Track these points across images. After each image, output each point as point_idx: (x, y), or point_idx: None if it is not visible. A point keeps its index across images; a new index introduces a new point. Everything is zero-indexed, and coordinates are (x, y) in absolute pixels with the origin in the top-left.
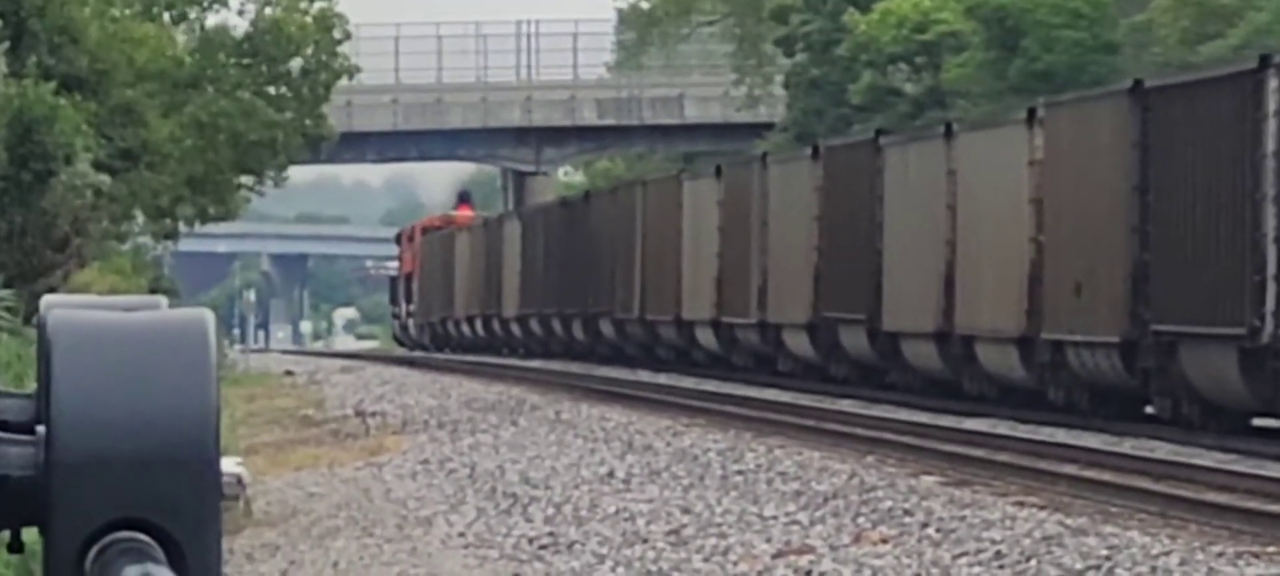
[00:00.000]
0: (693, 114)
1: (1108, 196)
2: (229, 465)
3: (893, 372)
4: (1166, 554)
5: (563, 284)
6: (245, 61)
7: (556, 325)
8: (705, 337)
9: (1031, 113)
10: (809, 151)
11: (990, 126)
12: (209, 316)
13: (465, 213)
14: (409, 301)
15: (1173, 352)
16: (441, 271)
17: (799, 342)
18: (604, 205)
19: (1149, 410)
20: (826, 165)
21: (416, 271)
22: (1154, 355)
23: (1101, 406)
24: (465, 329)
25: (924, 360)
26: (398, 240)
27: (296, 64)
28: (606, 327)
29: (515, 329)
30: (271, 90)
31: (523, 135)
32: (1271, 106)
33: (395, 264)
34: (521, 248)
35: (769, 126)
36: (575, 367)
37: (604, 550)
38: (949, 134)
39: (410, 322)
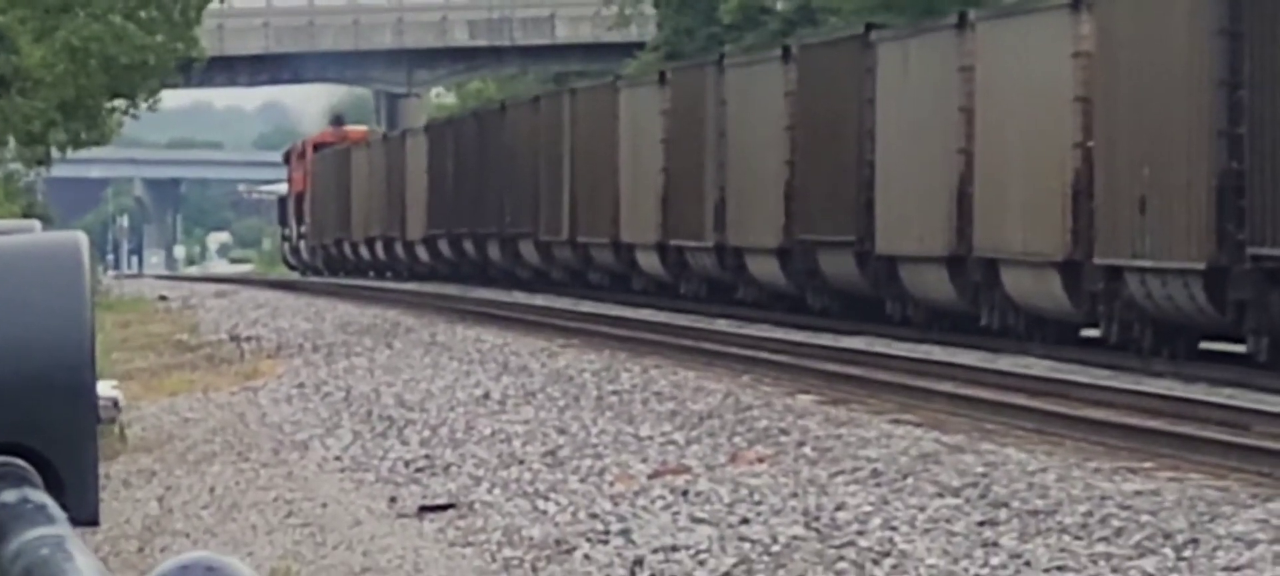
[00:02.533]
0: (564, 34)
1: (1184, 94)
2: (105, 388)
3: (889, 302)
4: (1043, 470)
5: (477, 203)
6: None
7: (469, 247)
8: (648, 263)
9: None
10: (778, 52)
11: (1019, 14)
12: (82, 239)
13: (359, 128)
14: (300, 222)
15: (1277, 282)
16: (336, 190)
17: (766, 268)
18: (525, 117)
19: (1205, 345)
20: (801, 67)
21: (308, 190)
22: (1251, 285)
23: (1167, 343)
24: (364, 251)
25: (931, 288)
26: (286, 158)
27: None
28: (528, 251)
29: (421, 252)
30: (143, 14)
31: (394, 57)
32: None
33: (271, 187)
34: (428, 164)
35: (640, 45)
36: (450, 289)
37: (480, 472)
38: (962, 25)
39: (301, 245)
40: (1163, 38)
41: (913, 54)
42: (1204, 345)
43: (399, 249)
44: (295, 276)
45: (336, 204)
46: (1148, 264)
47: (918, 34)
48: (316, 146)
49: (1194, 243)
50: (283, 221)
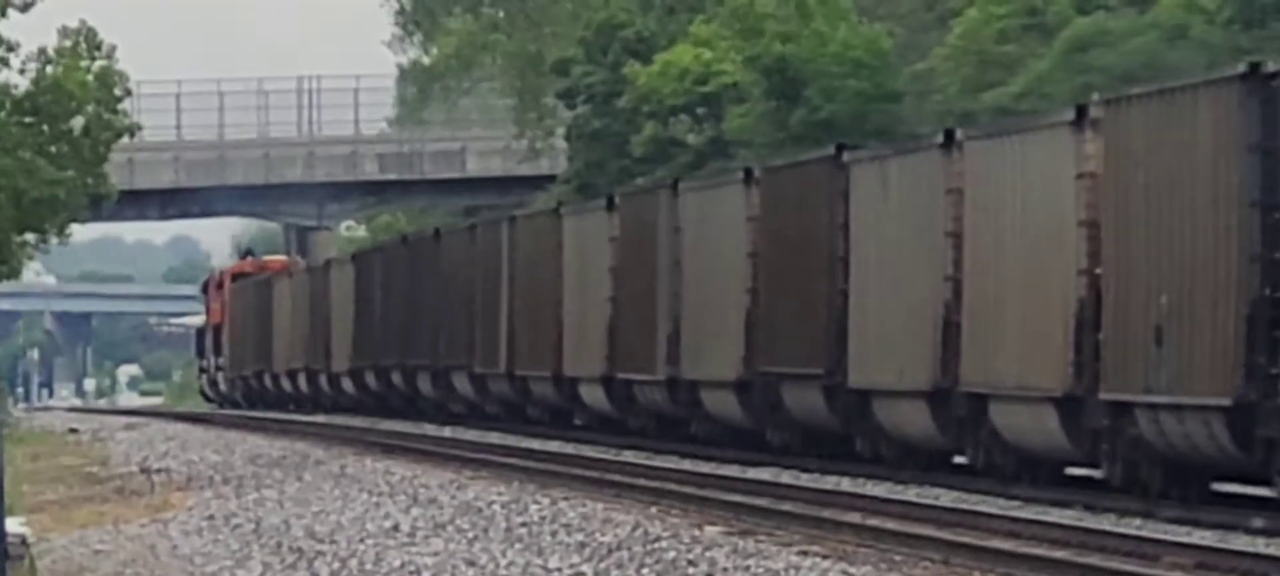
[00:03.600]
0: (474, 167)
1: (1211, 216)
2: (13, 525)
3: (860, 439)
4: None
5: (407, 334)
6: (26, 120)
7: (397, 380)
8: (593, 397)
9: (1081, 112)
10: (739, 175)
11: (1014, 132)
12: None
13: (278, 258)
14: (218, 354)
15: None
16: (257, 321)
17: (722, 403)
18: (459, 244)
19: (1219, 488)
20: (765, 190)
21: (226, 321)
22: None
23: (1178, 485)
24: (286, 384)
25: (909, 425)
26: (205, 289)
27: (78, 122)
28: (462, 383)
29: (347, 384)
30: (53, 149)
31: (305, 191)
32: None
33: (182, 319)
34: (355, 293)
35: (551, 179)
36: (359, 421)
37: None
38: (949, 144)
39: (220, 377)
40: (1184, 156)
41: (892, 176)
42: (1217, 486)
43: (323, 381)
44: (207, 409)
45: (257, 335)
46: (1163, 399)
47: (898, 155)
48: (235, 276)
49: (1219, 376)
50: (200, 353)
